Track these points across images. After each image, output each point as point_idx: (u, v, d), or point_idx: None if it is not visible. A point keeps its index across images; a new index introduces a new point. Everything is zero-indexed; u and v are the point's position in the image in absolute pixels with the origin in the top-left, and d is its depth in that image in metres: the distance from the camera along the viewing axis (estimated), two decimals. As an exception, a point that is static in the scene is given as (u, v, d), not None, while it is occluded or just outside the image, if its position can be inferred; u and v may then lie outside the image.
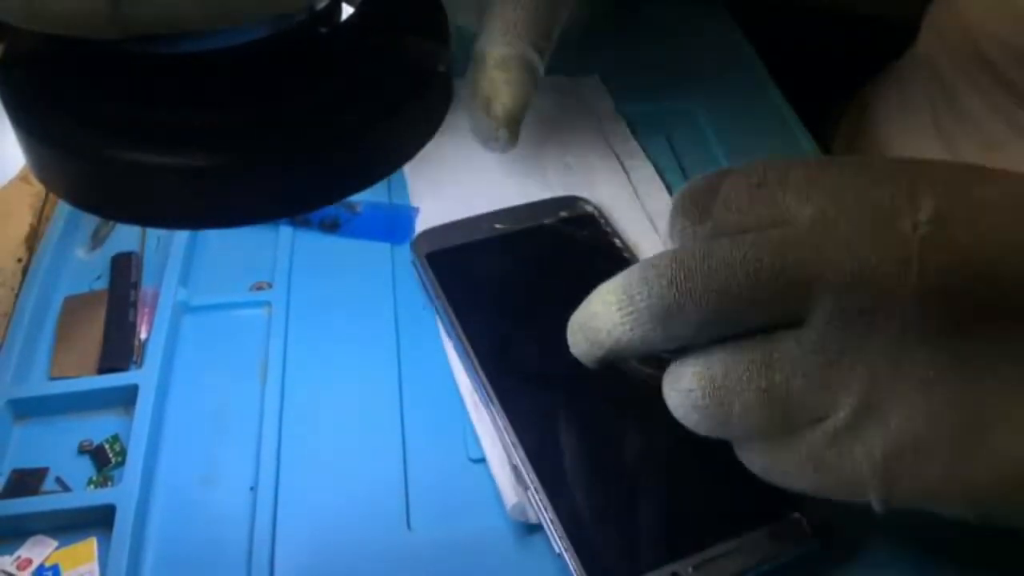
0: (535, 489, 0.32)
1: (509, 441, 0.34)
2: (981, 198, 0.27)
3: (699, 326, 0.27)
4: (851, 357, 0.25)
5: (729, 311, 0.26)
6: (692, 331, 0.27)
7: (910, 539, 0.33)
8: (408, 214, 0.44)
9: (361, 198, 0.45)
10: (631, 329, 0.28)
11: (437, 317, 0.40)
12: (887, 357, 0.25)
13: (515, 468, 0.33)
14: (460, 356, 0.37)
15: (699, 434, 0.28)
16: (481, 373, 0.36)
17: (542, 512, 0.32)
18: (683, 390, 0.28)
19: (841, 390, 0.26)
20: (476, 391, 0.36)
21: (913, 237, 0.25)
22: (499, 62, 0.40)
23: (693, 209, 0.28)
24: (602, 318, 0.28)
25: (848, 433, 0.26)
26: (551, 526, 0.32)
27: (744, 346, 0.27)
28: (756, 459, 0.29)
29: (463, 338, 0.37)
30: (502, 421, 0.34)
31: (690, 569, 0.31)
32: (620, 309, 0.28)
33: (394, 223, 0.44)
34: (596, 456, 0.30)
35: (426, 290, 0.41)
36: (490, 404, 0.35)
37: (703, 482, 0.33)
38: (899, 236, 0.25)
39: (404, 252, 0.44)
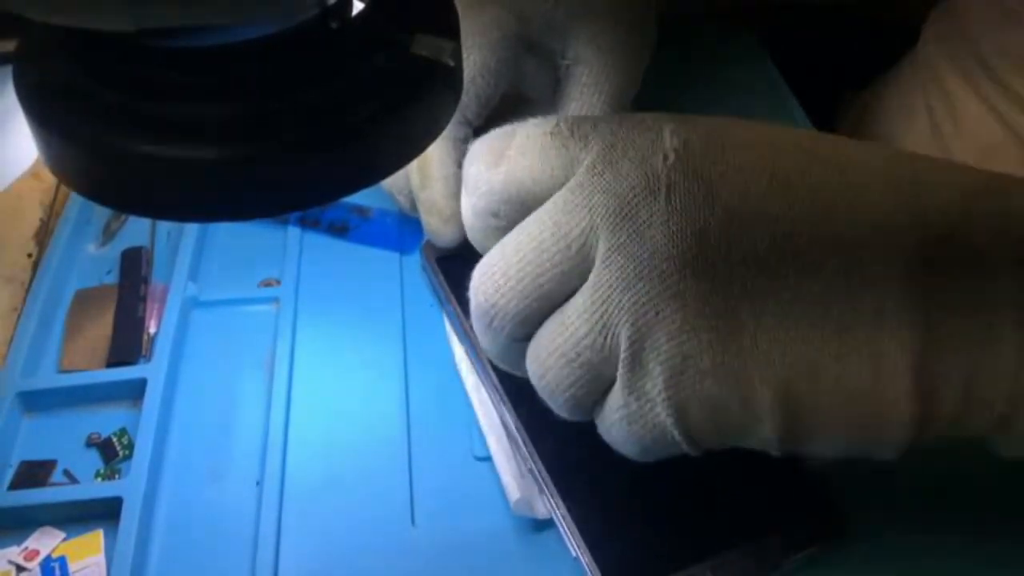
0: (550, 492, 0.32)
1: (522, 443, 0.34)
2: (729, 136, 0.28)
3: (517, 314, 0.29)
4: (620, 293, 0.26)
5: (529, 286, 0.28)
6: (514, 320, 0.29)
7: (923, 541, 0.33)
8: (417, 223, 0.44)
9: (373, 204, 0.46)
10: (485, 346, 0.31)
11: (447, 321, 0.40)
12: (649, 285, 0.26)
13: (530, 472, 0.33)
14: (472, 360, 0.37)
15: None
16: (494, 377, 0.36)
17: (557, 515, 0.32)
18: (528, 365, 0.29)
19: (619, 325, 0.26)
20: (489, 395, 0.36)
21: (663, 167, 0.27)
22: None
23: (488, 155, 0.30)
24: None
25: (637, 370, 0.27)
26: (567, 529, 0.32)
27: (553, 318, 0.28)
28: (600, 428, 0.30)
29: (475, 342, 0.37)
30: (515, 425, 0.34)
31: (708, 572, 0.31)
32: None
33: (403, 232, 0.45)
34: (611, 457, 0.30)
35: (436, 294, 0.41)
36: (503, 408, 0.35)
37: (720, 484, 0.33)
38: (651, 169, 0.27)
39: (413, 254, 0.44)
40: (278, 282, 0.43)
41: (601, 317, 0.27)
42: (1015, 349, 0.26)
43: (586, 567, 0.31)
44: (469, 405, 0.37)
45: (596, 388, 0.28)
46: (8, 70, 0.23)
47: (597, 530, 0.31)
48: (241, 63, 0.20)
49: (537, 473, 0.33)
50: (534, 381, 0.29)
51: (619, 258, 0.26)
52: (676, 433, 0.27)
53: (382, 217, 0.45)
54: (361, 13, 0.21)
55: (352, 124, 0.21)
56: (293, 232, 0.45)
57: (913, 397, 0.26)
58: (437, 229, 0.41)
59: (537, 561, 0.33)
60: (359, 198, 0.46)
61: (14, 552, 0.34)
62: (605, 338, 0.27)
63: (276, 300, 0.42)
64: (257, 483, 0.35)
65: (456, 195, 0.40)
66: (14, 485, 0.36)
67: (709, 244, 0.26)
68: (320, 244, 0.45)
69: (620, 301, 0.26)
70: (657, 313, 0.26)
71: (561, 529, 0.32)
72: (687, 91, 0.53)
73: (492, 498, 0.34)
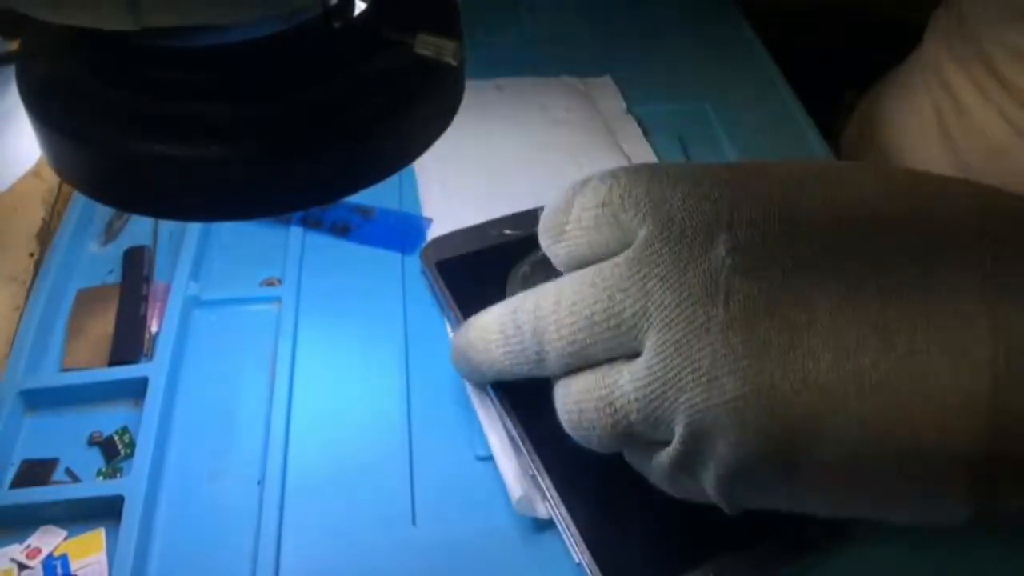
0: (551, 497, 0.32)
1: (524, 448, 0.34)
2: (794, 215, 0.27)
3: (561, 364, 0.30)
4: (675, 390, 0.26)
5: (579, 352, 0.29)
6: (556, 368, 0.30)
7: (926, 548, 0.33)
8: (420, 224, 0.44)
9: (375, 204, 0.46)
10: (511, 364, 0.31)
11: (447, 325, 0.40)
12: (708, 394, 0.26)
13: (532, 477, 0.33)
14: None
15: None
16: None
17: (559, 519, 0.32)
18: (562, 413, 0.30)
19: (673, 422, 0.27)
20: (491, 400, 0.36)
21: (723, 267, 0.26)
22: None
23: (552, 230, 0.31)
24: (484, 354, 0.32)
25: (688, 460, 0.27)
26: (569, 534, 0.32)
27: (590, 378, 0.29)
28: (631, 462, 0.30)
29: None
30: (516, 430, 0.34)
31: (710, 575, 0.31)
32: (499, 347, 0.31)
33: (406, 232, 0.45)
34: (613, 463, 0.30)
35: (436, 298, 0.41)
36: (504, 413, 0.35)
37: None
38: (710, 266, 0.26)
39: (415, 254, 0.44)
40: (280, 282, 0.43)
41: (654, 411, 0.27)
42: None
43: (589, 573, 0.31)
44: (470, 405, 0.37)
45: (636, 445, 0.29)
46: (11, 69, 0.23)
47: (600, 535, 0.31)
48: (244, 63, 0.20)
49: (539, 478, 0.33)
50: (564, 417, 0.30)
51: (676, 358, 0.26)
52: (724, 506, 0.28)
53: (384, 217, 0.46)
54: (363, 13, 0.21)
55: (355, 123, 0.21)
56: (295, 232, 0.45)
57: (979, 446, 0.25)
58: None
59: (538, 561, 0.33)
60: (362, 198, 0.46)
61: (16, 550, 0.34)
62: (656, 427, 0.27)
63: (278, 300, 0.42)
64: (258, 482, 0.35)
65: None
66: (16, 483, 0.36)
67: (768, 360, 0.25)
68: (322, 244, 0.45)
69: (676, 400, 0.26)
70: (715, 422, 0.26)
71: (564, 534, 0.32)
72: (687, 89, 0.53)
73: (493, 498, 0.34)
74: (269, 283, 0.43)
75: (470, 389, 0.37)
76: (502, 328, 0.31)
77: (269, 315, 0.42)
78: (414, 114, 0.22)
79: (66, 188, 0.49)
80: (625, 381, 0.28)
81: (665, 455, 0.28)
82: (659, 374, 0.27)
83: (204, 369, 0.40)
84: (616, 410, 0.28)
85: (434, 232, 0.44)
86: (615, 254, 0.28)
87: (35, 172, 0.49)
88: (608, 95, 0.52)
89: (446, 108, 0.23)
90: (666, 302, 0.26)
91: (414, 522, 0.34)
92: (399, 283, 0.43)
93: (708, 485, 0.28)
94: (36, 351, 0.40)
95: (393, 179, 0.47)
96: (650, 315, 0.27)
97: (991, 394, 0.24)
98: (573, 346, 0.29)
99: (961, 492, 0.26)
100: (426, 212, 0.45)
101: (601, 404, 0.28)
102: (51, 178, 0.49)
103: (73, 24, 0.19)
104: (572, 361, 0.29)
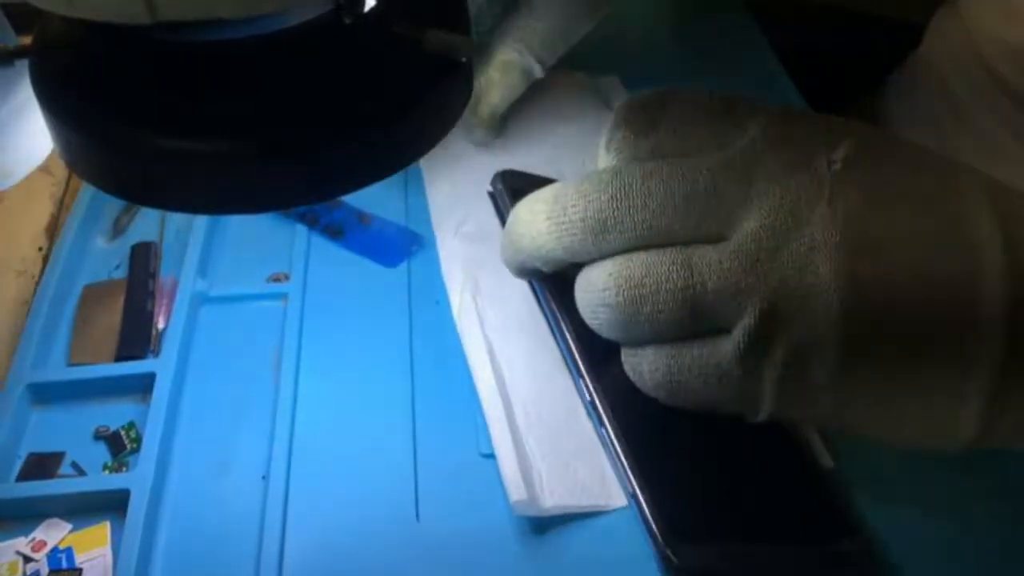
0: (610, 428, 0.32)
1: (584, 371, 0.33)
2: (889, 149, 0.29)
3: (629, 240, 0.28)
4: (764, 266, 0.27)
5: (663, 227, 0.28)
6: (620, 244, 0.29)
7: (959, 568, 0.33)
8: (407, 239, 0.45)
9: (373, 212, 0.46)
10: (558, 238, 0.29)
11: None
12: (796, 270, 0.27)
13: (591, 403, 0.33)
14: (540, 296, 0.36)
15: (602, 335, 0.30)
16: (559, 311, 0.35)
17: (614, 448, 0.32)
18: (596, 290, 0.29)
19: (754, 298, 0.27)
20: (553, 331, 0.35)
21: (827, 174, 0.28)
22: (500, 65, 0.43)
23: (639, 120, 0.30)
24: (526, 225, 0.30)
25: (758, 349, 0.27)
26: (624, 464, 0.31)
27: (666, 250, 0.28)
28: (651, 364, 0.29)
29: (547, 290, 0.36)
30: (581, 356, 0.34)
31: (744, 551, 0.30)
32: (548, 218, 0.29)
33: (392, 245, 0.45)
34: (673, 416, 0.30)
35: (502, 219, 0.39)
36: (568, 345, 0.34)
37: (771, 479, 0.33)
38: (818, 171, 0.28)
39: (420, 247, 0.44)
40: (287, 277, 0.43)
41: (736, 282, 0.27)
42: None
43: (642, 500, 0.30)
44: (475, 402, 0.37)
45: (684, 332, 0.29)
46: (23, 64, 0.24)
47: (652, 474, 0.31)
48: (256, 58, 0.21)
49: (600, 406, 0.32)
50: (601, 296, 0.29)
51: (772, 241, 0.27)
52: (765, 413, 0.29)
53: (380, 227, 0.45)
54: (374, 9, 0.22)
55: (365, 119, 0.21)
56: (301, 229, 0.45)
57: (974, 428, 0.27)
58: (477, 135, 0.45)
59: (541, 558, 0.33)
60: (364, 204, 0.46)
61: (22, 543, 0.34)
62: (734, 302, 0.27)
63: (284, 296, 0.42)
64: (263, 477, 0.35)
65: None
66: (22, 476, 0.36)
67: (863, 258, 0.27)
68: (328, 241, 0.45)
69: (765, 277, 0.27)
70: (801, 303, 0.27)
71: (617, 466, 0.32)
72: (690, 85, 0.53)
73: (496, 495, 0.34)
74: (276, 279, 0.43)
75: (477, 383, 0.37)
76: (559, 198, 0.30)
77: (276, 311, 0.42)
78: (424, 110, 0.22)
79: (74, 183, 0.49)
80: (708, 253, 0.28)
81: (731, 340, 0.28)
82: (751, 251, 0.27)
83: (210, 365, 0.40)
84: (692, 273, 0.27)
85: (436, 227, 0.45)
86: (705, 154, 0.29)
87: (45, 167, 0.49)
88: (615, 94, 0.52)
89: (455, 103, 0.23)
90: (772, 192, 0.27)
91: (418, 518, 0.34)
92: (405, 280, 0.43)
93: (766, 389, 0.28)
94: (43, 345, 0.40)
95: (399, 187, 0.47)
96: (751, 203, 0.27)
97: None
98: (657, 217, 0.28)
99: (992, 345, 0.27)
100: (433, 214, 0.46)
101: (676, 267, 0.28)
102: (60, 173, 0.50)
103: (88, 18, 0.19)
104: (640, 241, 0.28)
